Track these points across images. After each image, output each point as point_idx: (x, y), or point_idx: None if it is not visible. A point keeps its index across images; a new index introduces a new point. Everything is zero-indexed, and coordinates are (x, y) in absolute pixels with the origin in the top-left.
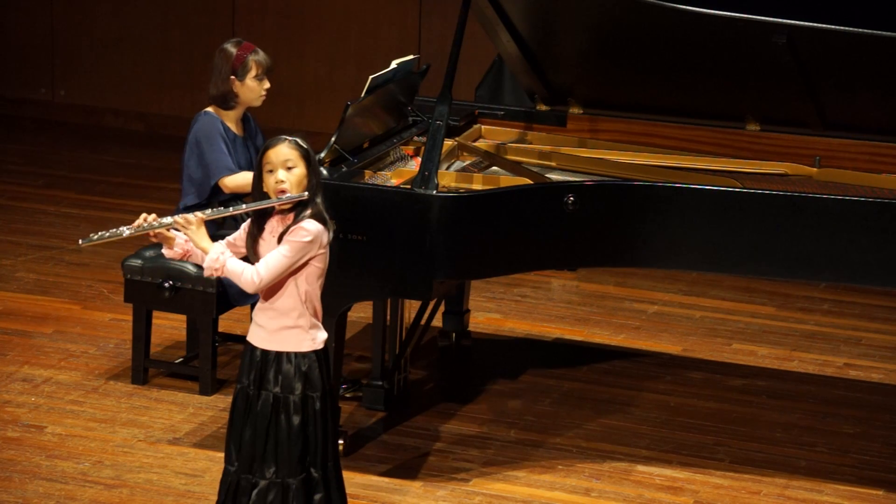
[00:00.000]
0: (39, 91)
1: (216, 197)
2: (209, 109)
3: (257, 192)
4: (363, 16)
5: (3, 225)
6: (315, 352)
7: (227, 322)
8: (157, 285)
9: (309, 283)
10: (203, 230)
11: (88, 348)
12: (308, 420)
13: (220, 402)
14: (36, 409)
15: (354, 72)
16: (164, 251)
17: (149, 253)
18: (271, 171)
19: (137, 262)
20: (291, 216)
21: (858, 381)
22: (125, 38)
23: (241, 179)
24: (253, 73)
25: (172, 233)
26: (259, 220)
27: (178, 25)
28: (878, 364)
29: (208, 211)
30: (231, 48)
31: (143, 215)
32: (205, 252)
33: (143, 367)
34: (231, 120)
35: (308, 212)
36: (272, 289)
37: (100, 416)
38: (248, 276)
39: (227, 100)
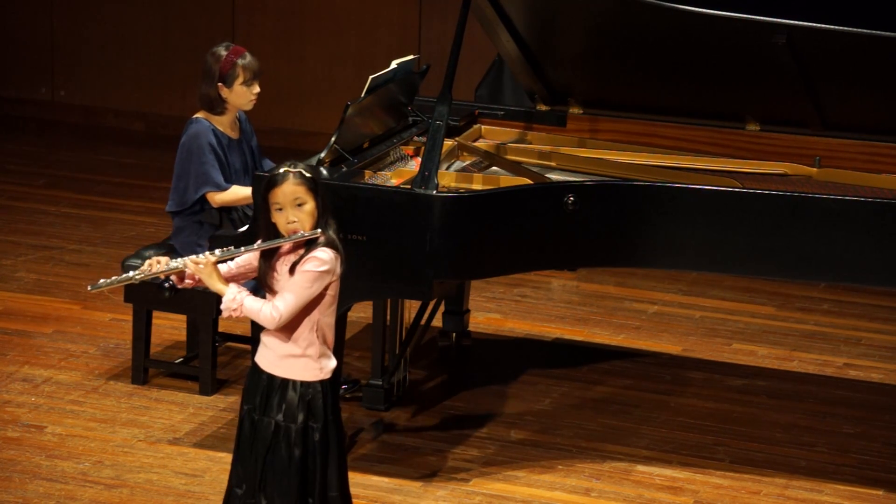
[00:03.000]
0: (39, 91)
1: (205, 207)
2: (200, 115)
3: (266, 227)
4: (363, 16)
5: (3, 225)
6: (321, 381)
7: (227, 322)
8: (157, 285)
9: (321, 312)
10: (216, 273)
11: (88, 348)
12: (307, 452)
13: (220, 402)
14: (36, 409)
15: (354, 72)
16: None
17: (149, 253)
18: (280, 210)
19: (137, 263)
20: (304, 247)
21: (858, 381)
22: (125, 38)
23: (230, 196)
24: (241, 79)
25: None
26: (270, 255)
27: (178, 25)
28: (878, 364)
29: (218, 252)
30: (220, 52)
31: (155, 258)
32: (220, 294)
33: (143, 367)
34: (223, 124)
35: (321, 239)
36: None
37: (100, 416)
38: (266, 314)
39: (214, 105)
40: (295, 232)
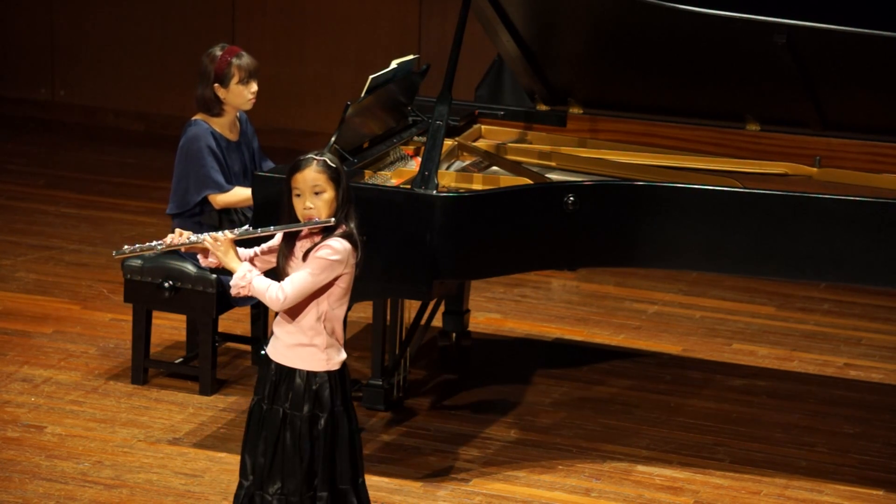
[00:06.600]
0: (39, 91)
1: (205, 209)
2: (198, 118)
3: (287, 211)
4: (363, 15)
5: (3, 225)
6: (328, 372)
7: (227, 322)
8: (157, 285)
9: (330, 304)
10: (232, 251)
11: (88, 348)
12: (314, 440)
13: (220, 402)
14: (36, 409)
15: (354, 72)
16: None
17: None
18: (299, 196)
19: (137, 262)
20: (320, 235)
21: (858, 381)
22: (125, 38)
23: (232, 197)
24: (237, 78)
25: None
26: (289, 240)
27: (178, 26)
28: (878, 364)
29: (237, 231)
30: (215, 53)
31: (178, 231)
32: (233, 271)
33: (143, 367)
34: (222, 126)
35: (338, 230)
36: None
37: (100, 416)
38: (272, 294)
39: (210, 106)
40: (310, 218)
